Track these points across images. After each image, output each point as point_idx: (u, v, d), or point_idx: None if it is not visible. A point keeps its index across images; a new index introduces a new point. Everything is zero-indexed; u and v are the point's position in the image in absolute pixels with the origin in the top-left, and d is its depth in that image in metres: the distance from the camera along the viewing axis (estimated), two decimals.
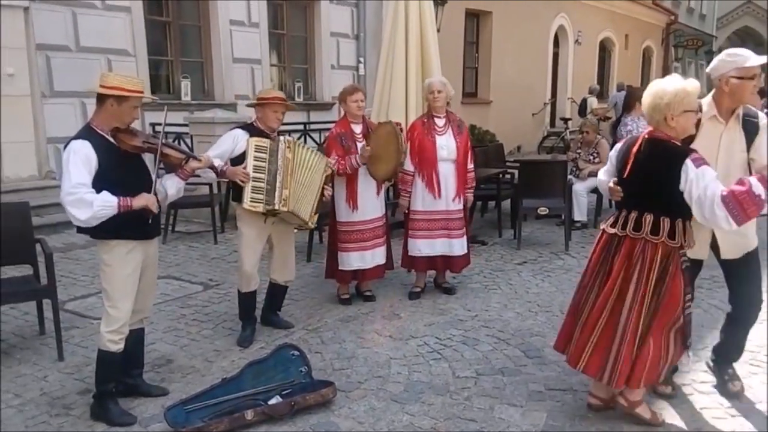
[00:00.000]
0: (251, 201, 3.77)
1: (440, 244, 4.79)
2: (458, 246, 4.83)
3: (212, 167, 3.55)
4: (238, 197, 3.83)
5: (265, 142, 3.83)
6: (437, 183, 4.69)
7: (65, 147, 2.94)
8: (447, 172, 4.72)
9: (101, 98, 2.98)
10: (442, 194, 4.71)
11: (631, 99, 6.58)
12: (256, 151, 3.78)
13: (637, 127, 6.28)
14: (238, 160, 3.81)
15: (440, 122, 4.76)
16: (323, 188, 4.09)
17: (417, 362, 3.76)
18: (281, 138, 3.94)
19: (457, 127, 4.78)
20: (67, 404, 3.29)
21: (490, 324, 4.35)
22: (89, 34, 7.79)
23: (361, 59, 11.40)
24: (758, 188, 2.64)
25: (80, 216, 2.85)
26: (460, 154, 4.73)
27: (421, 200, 4.76)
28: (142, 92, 3.02)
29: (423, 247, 4.81)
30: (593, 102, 15.10)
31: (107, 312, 3.07)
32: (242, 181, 3.74)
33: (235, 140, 3.87)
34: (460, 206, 4.82)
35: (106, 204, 2.87)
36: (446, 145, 4.70)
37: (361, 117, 4.65)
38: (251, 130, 3.94)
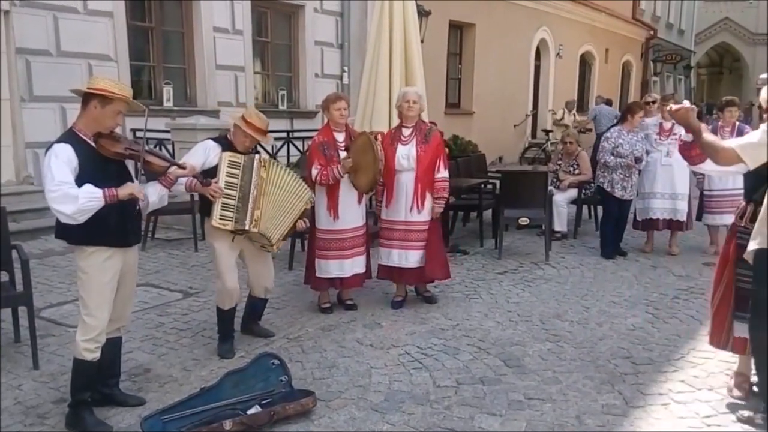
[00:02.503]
0: (220, 219, 3.69)
1: (397, 255, 4.76)
2: (414, 258, 4.74)
3: (196, 176, 3.51)
4: (208, 212, 3.74)
5: (238, 158, 3.74)
6: (392, 192, 4.69)
7: (47, 150, 2.91)
8: (406, 182, 4.67)
9: (85, 100, 2.96)
10: (399, 204, 4.69)
11: (627, 111, 6.68)
12: (228, 167, 3.69)
13: (617, 138, 6.36)
14: (210, 173, 3.72)
15: (406, 132, 4.74)
16: (298, 220, 3.98)
17: (398, 371, 3.75)
18: (256, 156, 3.83)
19: (423, 137, 4.70)
20: (41, 413, 3.24)
21: (471, 333, 4.36)
22: (70, 38, 7.72)
23: (345, 68, 11.43)
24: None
25: (66, 210, 2.79)
26: (421, 164, 4.64)
27: (384, 210, 4.79)
28: (127, 96, 3.00)
29: (383, 255, 4.82)
30: (559, 113, 15.29)
31: (83, 320, 3.03)
32: (212, 196, 3.65)
33: (207, 152, 3.78)
34: (422, 218, 4.70)
35: (92, 195, 2.82)
36: (407, 154, 4.65)
37: (344, 125, 4.65)
38: (224, 144, 3.85)
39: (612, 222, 6.52)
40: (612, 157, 6.31)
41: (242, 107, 8.63)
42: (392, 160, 4.64)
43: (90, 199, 2.82)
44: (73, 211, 2.80)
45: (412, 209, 4.69)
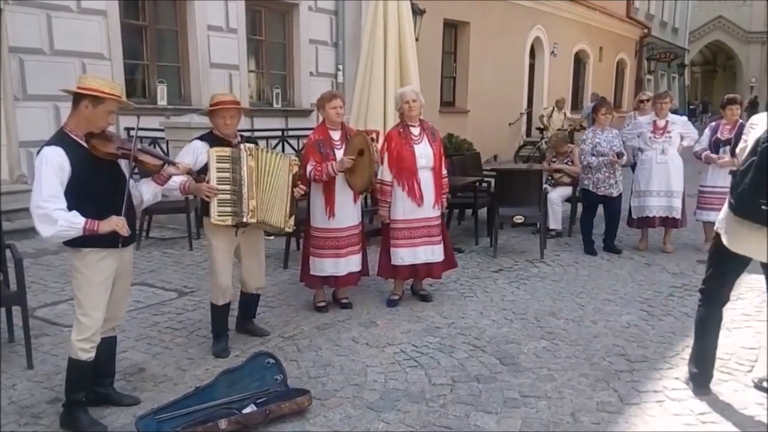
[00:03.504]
0: (219, 215, 3.68)
1: (423, 251, 4.81)
2: (438, 251, 4.86)
3: (190, 173, 3.50)
4: (206, 211, 3.74)
5: (226, 151, 3.72)
6: (419, 191, 4.71)
7: (38, 153, 2.89)
8: (426, 180, 4.74)
9: (76, 100, 2.94)
10: (425, 202, 4.74)
11: (593, 112, 6.78)
12: (218, 162, 3.68)
13: (593, 138, 6.43)
14: (201, 172, 3.70)
15: (416, 131, 4.78)
16: (293, 189, 3.98)
17: (393, 370, 3.76)
18: (242, 146, 3.80)
19: (431, 135, 4.82)
20: (36, 413, 3.22)
21: (466, 331, 4.37)
22: (64, 37, 7.68)
23: (340, 66, 11.41)
24: None
25: (44, 233, 2.83)
26: (437, 161, 4.78)
27: (401, 209, 4.76)
28: (118, 96, 2.99)
29: (405, 255, 4.80)
30: (546, 111, 15.31)
31: (78, 320, 3.02)
32: (208, 196, 3.65)
33: (196, 153, 3.78)
34: (438, 213, 4.86)
35: (72, 225, 2.83)
36: (424, 153, 4.73)
37: (340, 123, 4.65)
38: (210, 139, 3.84)
39: (591, 219, 6.64)
40: (594, 158, 6.40)
41: None
42: (411, 159, 4.67)
43: (68, 228, 2.83)
44: (49, 235, 2.82)
45: (434, 206, 4.78)
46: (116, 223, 2.92)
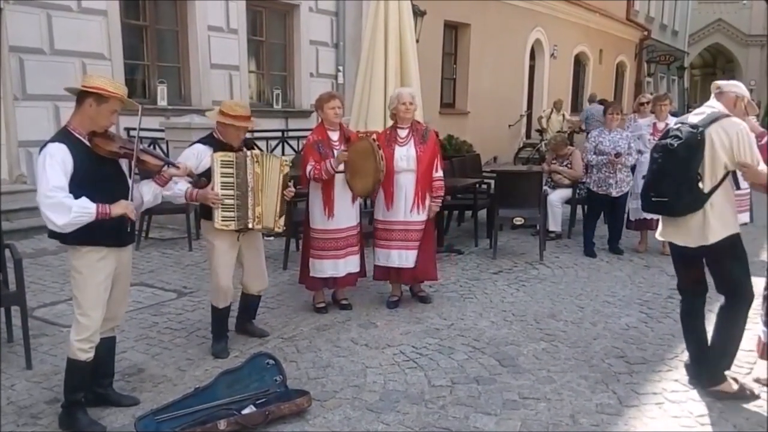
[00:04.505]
0: (223, 220, 3.67)
1: (396, 255, 4.76)
2: (413, 257, 4.75)
3: (190, 174, 3.50)
4: (208, 215, 3.73)
5: (230, 156, 3.70)
6: (391, 194, 4.67)
7: (41, 150, 2.89)
8: (406, 183, 4.67)
9: (80, 98, 2.95)
10: (398, 205, 4.68)
11: (604, 113, 6.83)
12: (222, 167, 3.66)
13: (598, 137, 6.49)
14: (204, 176, 3.69)
15: (403, 133, 4.74)
16: (283, 190, 3.93)
17: (392, 371, 3.75)
18: (248, 153, 3.79)
19: (420, 137, 4.72)
20: (34, 414, 3.22)
21: (466, 333, 4.37)
22: (64, 36, 7.69)
23: (340, 67, 11.42)
24: None
25: (57, 221, 2.79)
26: (421, 165, 4.66)
27: (381, 210, 4.77)
28: (122, 95, 2.99)
29: (381, 256, 4.82)
30: (545, 113, 15.32)
31: (77, 320, 3.02)
32: (214, 204, 3.63)
33: (198, 157, 3.75)
34: (421, 218, 4.73)
35: (84, 211, 2.82)
36: (405, 155, 4.66)
37: (338, 124, 4.65)
38: (213, 143, 3.81)
39: (594, 221, 6.67)
40: (594, 156, 6.48)
41: None
42: (390, 161, 4.63)
43: (82, 213, 2.81)
44: (64, 222, 2.80)
45: (412, 210, 4.69)
46: (126, 206, 2.95)
